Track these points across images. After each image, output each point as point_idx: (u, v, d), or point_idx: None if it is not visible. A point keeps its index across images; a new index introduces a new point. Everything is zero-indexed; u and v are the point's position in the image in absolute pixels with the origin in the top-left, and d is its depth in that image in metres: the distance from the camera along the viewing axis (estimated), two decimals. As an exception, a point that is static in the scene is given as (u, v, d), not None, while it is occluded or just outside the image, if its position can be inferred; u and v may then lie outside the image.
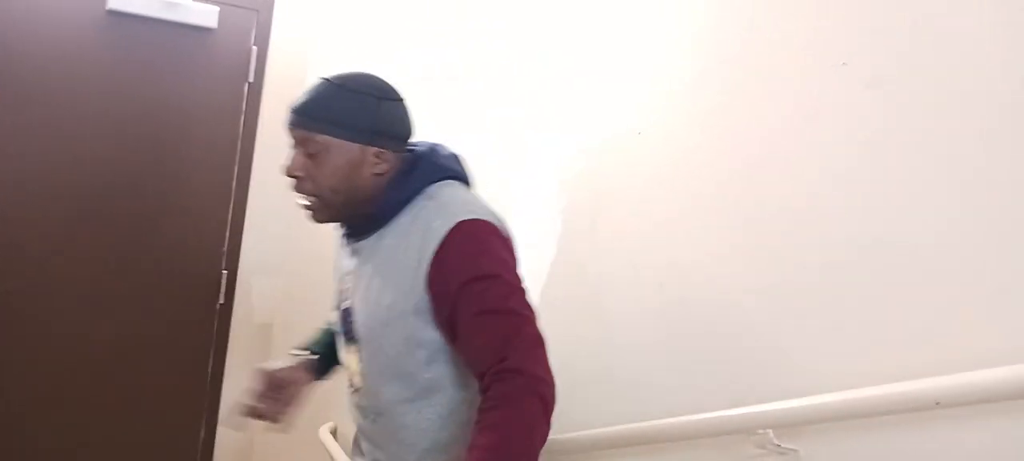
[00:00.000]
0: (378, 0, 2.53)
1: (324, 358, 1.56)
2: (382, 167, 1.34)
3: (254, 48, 2.66)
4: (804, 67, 1.24)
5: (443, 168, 1.39)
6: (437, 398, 1.36)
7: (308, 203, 1.36)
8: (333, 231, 1.51)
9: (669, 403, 1.44)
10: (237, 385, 3.00)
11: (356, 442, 1.56)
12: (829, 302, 1.18)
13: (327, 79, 1.34)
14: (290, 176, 1.35)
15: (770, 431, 1.22)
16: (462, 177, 1.42)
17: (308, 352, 1.56)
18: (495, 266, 1.27)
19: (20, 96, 2.37)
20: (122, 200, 2.61)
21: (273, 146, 2.81)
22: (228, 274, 2.86)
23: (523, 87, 1.85)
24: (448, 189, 1.37)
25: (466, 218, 1.28)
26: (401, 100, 1.39)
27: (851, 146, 1.16)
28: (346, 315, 1.43)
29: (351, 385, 1.47)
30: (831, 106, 1.19)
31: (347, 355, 1.46)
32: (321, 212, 1.37)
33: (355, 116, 1.32)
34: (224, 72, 2.65)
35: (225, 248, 2.83)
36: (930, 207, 1.06)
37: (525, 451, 1.18)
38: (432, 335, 1.32)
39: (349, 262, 1.44)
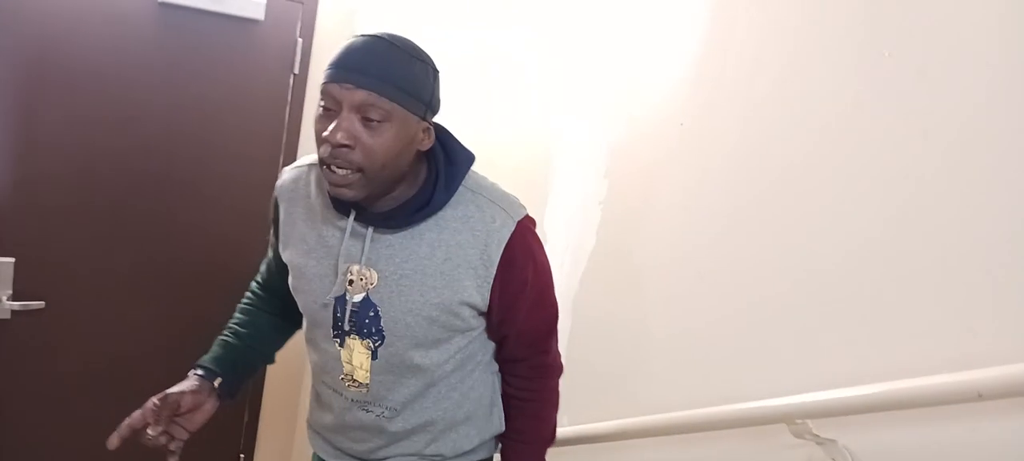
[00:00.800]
0: (420, -8, 2.55)
1: (230, 379, 1.45)
2: (425, 145, 1.24)
3: (299, 40, 2.70)
4: (851, 58, 1.23)
5: (468, 155, 1.32)
6: (458, 379, 1.40)
7: (347, 179, 1.17)
8: (289, 207, 1.36)
9: (707, 392, 1.44)
10: (279, 371, 3.06)
11: (341, 431, 1.47)
12: (871, 293, 1.17)
13: (386, 39, 1.17)
14: (338, 145, 1.14)
15: (809, 421, 1.22)
16: (472, 158, 1.34)
17: (214, 374, 1.45)
18: (545, 266, 1.36)
19: (74, 88, 2.44)
20: (169, 188, 2.67)
21: (317, 136, 2.86)
22: (273, 262, 2.91)
23: (566, 74, 1.86)
24: (476, 177, 1.32)
25: (521, 216, 1.30)
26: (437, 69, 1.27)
27: (897, 138, 1.15)
28: (351, 307, 1.31)
29: (351, 382, 1.39)
30: (878, 98, 1.18)
31: (342, 349, 1.36)
32: (358, 190, 1.18)
33: (420, 86, 1.18)
34: (270, 63, 2.70)
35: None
36: (976, 199, 1.04)
37: (553, 430, 1.49)
38: (475, 323, 1.34)
39: (355, 250, 1.29)
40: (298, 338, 3.06)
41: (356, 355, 1.34)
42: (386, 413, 1.38)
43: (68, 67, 2.41)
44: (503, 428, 1.48)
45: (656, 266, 1.57)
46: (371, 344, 1.32)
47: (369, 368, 1.35)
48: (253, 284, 1.58)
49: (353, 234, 1.28)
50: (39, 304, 2.54)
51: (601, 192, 1.71)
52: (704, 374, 1.46)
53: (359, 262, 1.27)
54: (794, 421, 1.24)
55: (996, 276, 1.01)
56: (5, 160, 2.39)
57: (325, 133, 1.15)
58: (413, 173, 1.26)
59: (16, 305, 2.50)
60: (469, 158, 1.31)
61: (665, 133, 1.58)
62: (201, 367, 1.45)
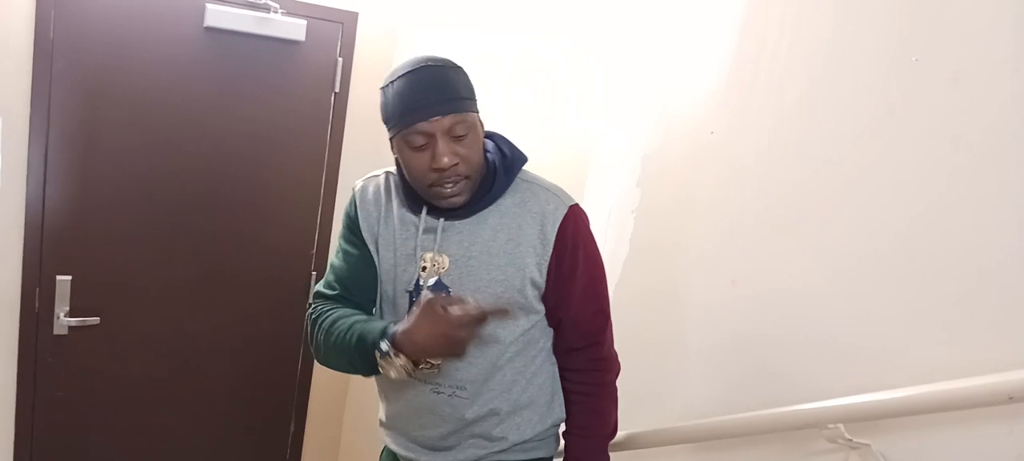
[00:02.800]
0: (457, 11, 2.60)
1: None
2: (484, 134, 1.43)
3: (339, 59, 2.78)
4: (882, 65, 1.24)
5: (520, 151, 1.48)
6: (523, 364, 1.47)
7: (459, 189, 1.36)
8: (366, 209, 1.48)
9: (742, 398, 1.45)
10: (324, 381, 3.13)
11: (411, 420, 1.53)
12: (903, 298, 1.17)
13: (430, 65, 1.34)
14: (448, 167, 1.32)
15: (841, 426, 1.23)
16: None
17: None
18: (596, 252, 1.46)
19: (125, 109, 2.53)
20: (218, 205, 2.76)
21: (358, 154, 2.92)
22: (317, 275, 2.98)
23: (600, 84, 1.89)
24: (528, 172, 1.48)
25: (572, 202, 1.44)
26: None
27: (929, 144, 1.15)
28: (422, 293, 1.40)
29: (428, 364, 1.44)
30: (910, 104, 1.19)
31: None
32: (467, 192, 1.38)
33: (468, 87, 1.38)
34: (312, 83, 2.77)
35: (314, 251, 2.96)
36: (1006, 203, 1.05)
37: (615, 425, 1.52)
38: (536, 304, 1.44)
39: (428, 241, 1.43)
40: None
41: None
42: (457, 393, 1.46)
43: (122, 91, 2.51)
44: (563, 416, 1.53)
45: (690, 274, 1.59)
46: None
47: None
48: (322, 291, 1.56)
49: (426, 227, 1.43)
50: (95, 320, 2.64)
51: (634, 201, 1.74)
52: (738, 380, 1.47)
53: (433, 250, 1.42)
54: (827, 426, 1.25)
55: (1026, 279, 1.02)
56: (63, 182, 2.50)
57: (432, 164, 1.33)
58: (498, 171, 1.44)
59: (73, 321, 2.60)
60: (522, 155, 1.47)
61: (697, 142, 1.60)
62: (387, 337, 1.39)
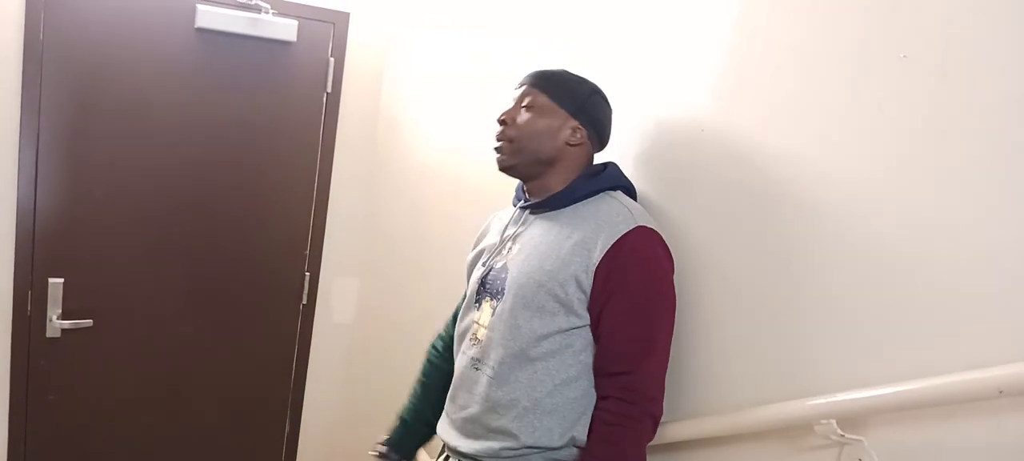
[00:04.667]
0: (449, 12, 2.60)
1: (408, 448, 1.84)
2: (576, 139, 1.55)
3: (331, 60, 2.78)
4: (868, 62, 1.24)
5: (625, 179, 1.60)
6: (555, 367, 1.46)
7: (500, 147, 1.57)
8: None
9: (734, 396, 1.46)
10: (319, 381, 3.13)
11: (453, 397, 1.64)
12: (891, 294, 1.18)
13: (560, 69, 1.62)
14: (499, 121, 1.59)
15: (833, 421, 1.23)
16: (634, 194, 1.61)
17: (396, 455, 1.82)
18: (658, 283, 1.46)
19: (116, 111, 2.53)
20: (210, 206, 2.75)
21: (351, 153, 2.92)
22: (310, 276, 2.98)
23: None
24: (628, 199, 1.55)
25: (646, 225, 1.47)
26: (610, 106, 1.63)
27: (917, 139, 1.16)
28: (491, 273, 1.58)
29: (472, 338, 1.59)
30: (898, 100, 1.19)
31: (478, 311, 1.59)
32: (507, 155, 1.57)
33: (570, 90, 1.57)
34: (304, 83, 2.77)
35: (307, 251, 2.96)
36: (994, 199, 1.05)
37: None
38: (579, 308, 1.45)
39: (514, 229, 1.61)
40: (337, 354, 3.12)
41: (484, 315, 1.57)
42: (488, 372, 1.52)
43: (113, 92, 2.51)
44: (585, 440, 1.48)
45: (681, 272, 1.59)
46: (494, 304, 1.54)
47: (486, 324, 1.55)
48: (441, 333, 1.85)
49: (516, 220, 1.63)
50: (87, 322, 2.64)
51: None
52: (730, 378, 1.48)
53: (512, 238, 1.59)
54: (819, 422, 1.25)
55: (1015, 274, 1.02)
56: (54, 184, 2.50)
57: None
58: (569, 172, 1.56)
59: (66, 323, 2.60)
60: (622, 180, 1.59)
61: (687, 140, 1.60)
62: (387, 450, 1.83)
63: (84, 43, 2.44)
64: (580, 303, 1.45)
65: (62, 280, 2.57)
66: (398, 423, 1.83)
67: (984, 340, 1.05)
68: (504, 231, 1.64)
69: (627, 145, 1.76)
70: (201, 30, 2.54)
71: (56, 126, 2.45)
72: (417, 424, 1.82)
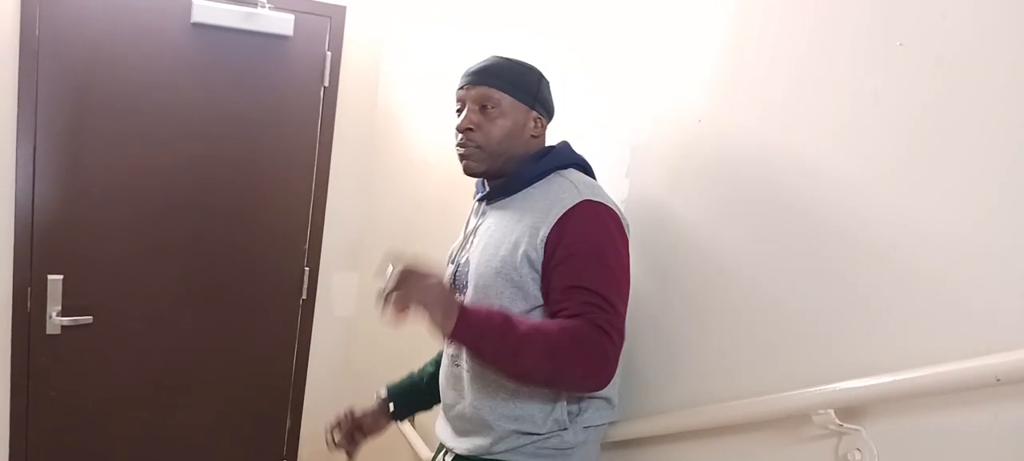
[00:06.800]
0: (446, 4, 2.60)
1: (403, 405, 1.83)
2: (537, 131, 1.56)
3: (328, 53, 2.77)
4: (866, 51, 1.23)
5: (575, 156, 1.57)
6: None
7: (470, 153, 1.52)
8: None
9: (731, 386, 1.46)
10: (320, 376, 3.13)
11: (443, 395, 1.66)
12: (889, 282, 1.18)
13: (497, 55, 1.56)
14: (464, 129, 1.52)
15: (831, 411, 1.23)
16: (588, 169, 1.59)
17: (389, 401, 1.82)
18: (602, 250, 1.40)
19: (113, 107, 2.53)
20: (209, 202, 2.75)
21: (349, 147, 2.92)
22: (310, 270, 2.99)
23: (586, 78, 1.89)
24: (578, 174, 1.53)
25: (592, 199, 1.44)
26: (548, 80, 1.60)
27: (913, 128, 1.15)
28: (458, 267, 1.58)
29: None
30: (895, 89, 1.18)
31: None
32: (479, 163, 1.53)
33: (526, 81, 1.54)
34: (301, 77, 2.77)
35: (306, 246, 2.96)
36: (990, 188, 1.05)
37: (560, 358, 1.32)
38: (535, 291, 1.44)
39: (474, 222, 1.62)
40: (337, 348, 3.12)
41: None
42: (466, 366, 1.55)
43: (110, 89, 2.50)
44: (567, 424, 1.47)
45: (677, 263, 1.59)
46: (461, 297, 1.52)
47: None
48: None
49: (476, 212, 1.64)
50: (87, 319, 2.64)
51: (623, 191, 1.73)
52: (727, 369, 1.48)
53: (475, 232, 1.58)
54: (817, 412, 1.25)
55: (1011, 263, 1.02)
56: (52, 181, 2.49)
57: (456, 124, 1.54)
58: (530, 162, 1.53)
59: (66, 320, 2.60)
60: (572, 157, 1.56)
61: (684, 131, 1.59)
62: (385, 393, 1.84)
63: (80, 39, 2.43)
64: (534, 283, 1.44)
65: (61, 277, 2.57)
66: (405, 378, 1.85)
67: (981, 328, 1.05)
68: (467, 224, 1.66)
69: (624, 137, 1.75)
70: (197, 25, 2.54)
71: (53, 123, 2.45)
72: (424, 386, 1.80)
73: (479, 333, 1.32)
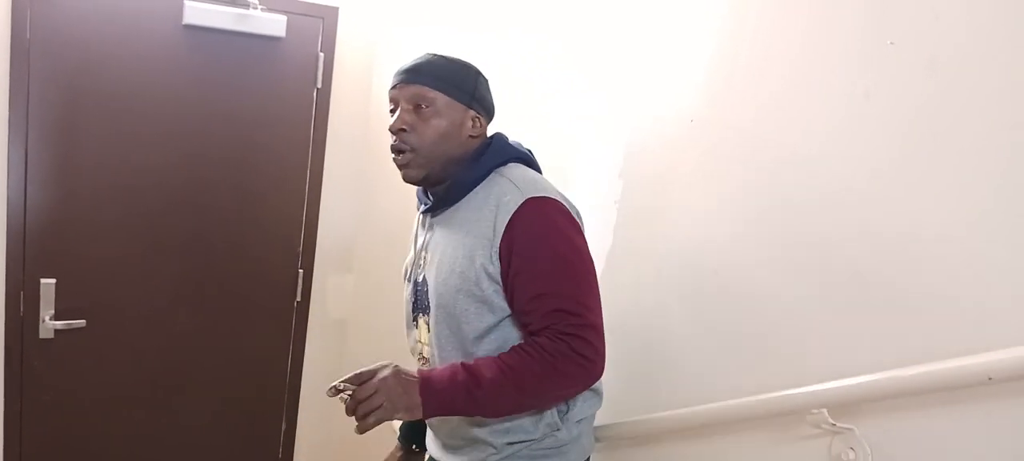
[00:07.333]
0: (438, 5, 2.59)
1: (418, 434, 1.77)
2: (476, 131, 1.48)
3: (321, 55, 2.76)
4: (858, 51, 1.24)
5: (513, 150, 1.51)
6: None
7: (406, 160, 1.45)
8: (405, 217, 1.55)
9: (725, 386, 1.46)
10: (315, 378, 3.13)
11: (431, 425, 1.64)
12: (882, 282, 1.18)
13: (428, 53, 1.48)
14: (397, 130, 1.44)
15: (825, 410, 1.23)
16: (529, 160, 1.53)
17: (408, 442, 1.79)
18: (561, 248, 1.36)
19: (105, 109, 2.51)
20: (202, 204, 2.74)
21: (343, 149, 2.91)
22: (304, 273, 2.98)
23: (580, 78, 1.89)
24: (518, 169, 1.46)
25: (534, 196, 1.38)
26: (487, 79, 1.54)
27: (905, 128, 1.16)
28: (417, 287, 1.53)
29: (420, 358, 1.56)
30: (887, 88, 1.19)
31: (416, 329, 1.56)
32: (417, 168, 1.45)
33: (462, 79, 1.47)
34: (293, 79, 2.76)
35: (300, 248, 2.95)
36: (982, 187, 1.05)
37: (536, 386, 1.33)
38: (497, 298, 1.40)
39: (423, 237, 1.55)
40: (332, 350, 3.12)
41: (422, 332, 1.54)
42: None
43: (102, 90, 2.49)
44: (560, 425, 1.47)
45: (672, 263, 1.59)
46: (427, 319, 1.50)
47: (428, 341, 1.52)
48: None
49: (423, 225, 1.57)
50: (80, 323, 2.63)
51: (617, 192, 1.74)
52: (721, 369, 1.48)
53: (426, 248, 1.51)
54: (811, 411, 1.25)
55: (1003, 262, 1.02)
56: (44, 183, 2.48)
57: (389, 125, 1.46)
58: (467, 167, 1.46)
59: (59, 324, 2.59)
60: (509, 151, 1.49)
61: (677, 131, 1.60)
62: (400, 437, 1.82)
63: (72, 41, 2.42)
64: (497, 294, 1.39)
65: (54, 281, 2.56)
66: None
67: (974, 327, 1.05)
68: (417, 241, 1.59)
69: (618, 137, 1.75)
70: (189, 26, 2.53)
71: (45, 125, 2.44)
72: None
73: (447, 400, 1.32)
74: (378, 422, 1.31)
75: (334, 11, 2.74)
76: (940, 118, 1.11)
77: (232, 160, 2.74)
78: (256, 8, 2.56)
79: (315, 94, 2.80)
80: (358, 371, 1.34)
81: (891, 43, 1.18)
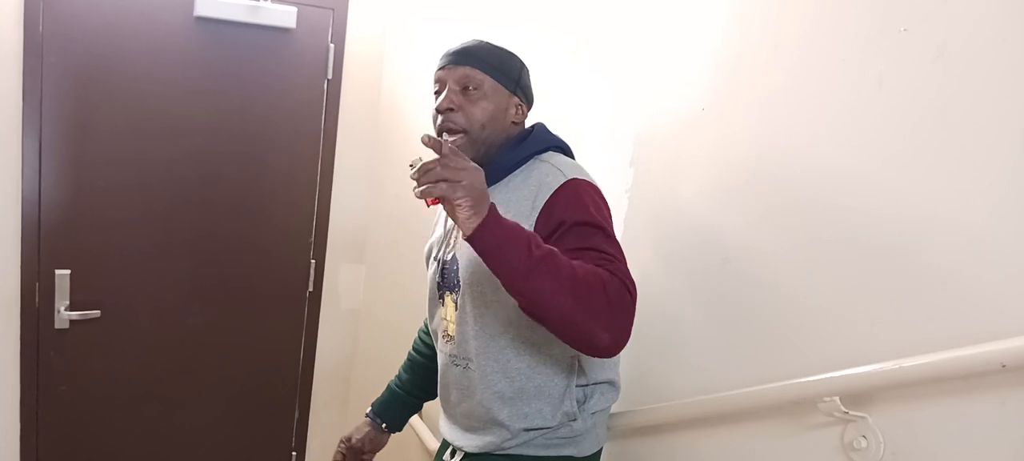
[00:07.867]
0: (448, -8, 2.59)
1: (393, 417, 1.85)
2: (519, 118, 1.52)
3: (331, 46, 2.77)
4: (870, 35, 1.23)
5: (554, 138, 1.54)
6: (533, 350, 1.44)
7: (455, 139, 1.45)
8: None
9: (736, 374, 1.46)
10: (327, 368, 3.14)
11: (445, 395, 1.63)
12: (893, 270, 1.17)
13: (475, 39, 1.51)
14: (445, 109, 1.45)
15: (837, 398, 1.23)
16: (567, 151, 1.55)
17: (380, 420, 1.84)
18: (599, 219, 1.34)
19: (117, 102, 2.53)
20: (215, 195, 2.76)
21: (354, 139, 2.92)
22: (316, 263, 2.99)
23: (589, 71, 1.88)
24: (559, 156, 1.49)
25: (578, 177, 1.41)
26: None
27: (917, 115, 1.15)
28: (445, 266, 1.53)
29: (445, 336, 1.56)
30: (898, 74, 1.18)
31: (442, 306, 1.56)
32: (466, 149, 1.44)
33: (508, 66, 1.50)
34: (304, 70, 2.77)
35: (312, 239, 2.97)
36: (994, 173, 1.04)
37: (585, 291, 1.19)
38: None
39: None
40: (345, 341, 3.13)
41: (448, 309, 1.54)
42: (468, 366, 1.51)
43: (114, 83, 2.51)
44: (577, 415, 1.47)
45: (683, 252, 1.59)
46: (455, 296, 1.50)
47: (453, 319, 1.52)
48: (421, 326, 1.89)
49: None
50: (95, 313, 2.65)
51: (627, 181, 1.73)
52: (732, 357, 1.48)
53: (455, 227, 1.48)
54: (823, 399, 1.25)
55: (1016, 249, 1.01)
56: (58, 176, 2.50)
57: (436, 105, 1.47)
58: (509, 150, 1.48)
59: (74, 315, 2.61)
60: (550, 140, 1.53)
61: (687, 120, 1.59)
62: (371, 412, 1.86)
63: (84, 34, 2.44)
64: None
65: (69, 272, 2.58)
66: (386, 391, 1.86)
67: (987, 315, 1.05)
68: (446, 222, 1.59)
69: (628, 125, 1.75)
70: (201, 18, 2.54)
71: (58, 118, 2.46)
72: (404, 394, 1.84)
73: (508, 233, 1.20)
74: (443, 195, 1.17)
75: (344, 2, 2.74)
76: (954, 104, 1.10)
77: (243, 152, 2.76)
78: (267, 0, 2.57)
79: (326, 85, 2.81)
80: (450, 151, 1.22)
81: (904, 29, 1.17)
